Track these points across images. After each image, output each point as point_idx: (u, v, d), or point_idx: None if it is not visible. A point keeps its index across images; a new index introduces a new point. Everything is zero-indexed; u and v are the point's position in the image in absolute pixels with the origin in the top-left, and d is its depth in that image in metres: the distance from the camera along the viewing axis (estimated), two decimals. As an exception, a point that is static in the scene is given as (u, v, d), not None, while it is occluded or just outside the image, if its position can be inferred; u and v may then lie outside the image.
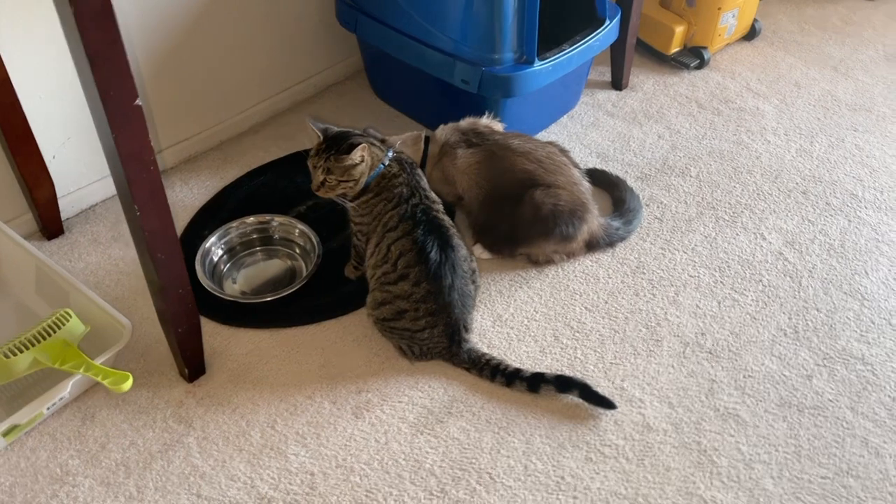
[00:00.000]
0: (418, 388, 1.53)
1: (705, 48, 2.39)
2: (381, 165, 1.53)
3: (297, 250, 1.78)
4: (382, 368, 1.56)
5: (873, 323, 1.65)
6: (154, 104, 1.91)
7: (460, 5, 1.81)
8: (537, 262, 1.77)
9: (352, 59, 2.34)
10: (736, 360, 1.57)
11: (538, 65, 1.84)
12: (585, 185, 1.74)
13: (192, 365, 1.51)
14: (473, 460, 1.41)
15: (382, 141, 1.58)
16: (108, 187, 1.93)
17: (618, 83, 2.31)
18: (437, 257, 1.45)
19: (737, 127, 2.18)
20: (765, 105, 2.27)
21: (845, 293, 1.71)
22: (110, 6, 1.03)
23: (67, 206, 1.86)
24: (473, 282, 1.53)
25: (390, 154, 1.54)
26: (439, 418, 1.48)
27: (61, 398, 1.41)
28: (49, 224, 1.81)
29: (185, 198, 1.94)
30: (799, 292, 1.71)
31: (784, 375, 1.55)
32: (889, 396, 1.51)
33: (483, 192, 1.72)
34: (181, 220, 1.87)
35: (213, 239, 1.73)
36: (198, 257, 1.69)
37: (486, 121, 1.82)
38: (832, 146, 2.11)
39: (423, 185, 1.54)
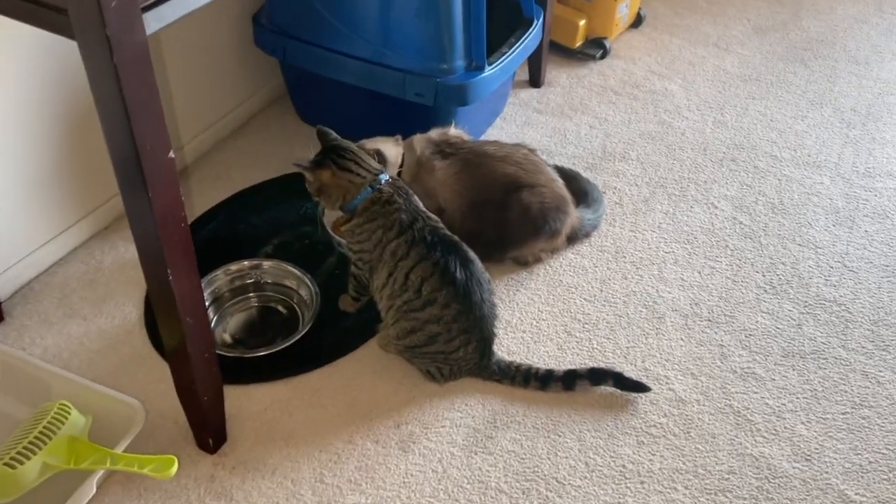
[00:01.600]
0: (455, 408, 1.49)
1: (605, 38, 2.51)
2: (369, 189, 1.47)
3: (287, 293, 1.68)
4: (412, 396, 1.51)
5: (832, 267, 1.81)
6: (75, 162, 1.72)
7: (408, 19, 1.78)
8: (526, 264, 1.78)
9: (270, 86, 2.24)
10: (733, 323, 1.67)
11: (488, 70, 1.85)
12: (560, 180, 1.78)
13: (217, 433, 1.38)
14: (535, 468, 1.40)
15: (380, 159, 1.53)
16: (43, 259, 1.72)
17: (536, 81, 2.37)
18: (462, 275, 1.43)
19: (655, 108, 2.31)
20: (671, 85, 2.42)
21: (799, 245, 1.87)
22: (148, 53, 0.92)
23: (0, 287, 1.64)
24: (491, 291, 1.51)
25: (384, 178, 1.49)
26: (488, 434, 1.45)
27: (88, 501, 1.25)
28: (-13, 312, 1.59)
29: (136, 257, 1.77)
30: (762, 251, 1.85)
31: (778, 329, 1.66)
32: (867, 329, 1.67)
33: (466, 200, 1.71)
34: (138, 283, 1.71)
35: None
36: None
37: (454, 131, 1.80)
38: (740, 115, 2.29)
39: (421, 206, 1.50)
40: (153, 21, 0.92)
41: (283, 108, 2.25)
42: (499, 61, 1.89)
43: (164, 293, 1.14)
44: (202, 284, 1.59)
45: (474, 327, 1.45)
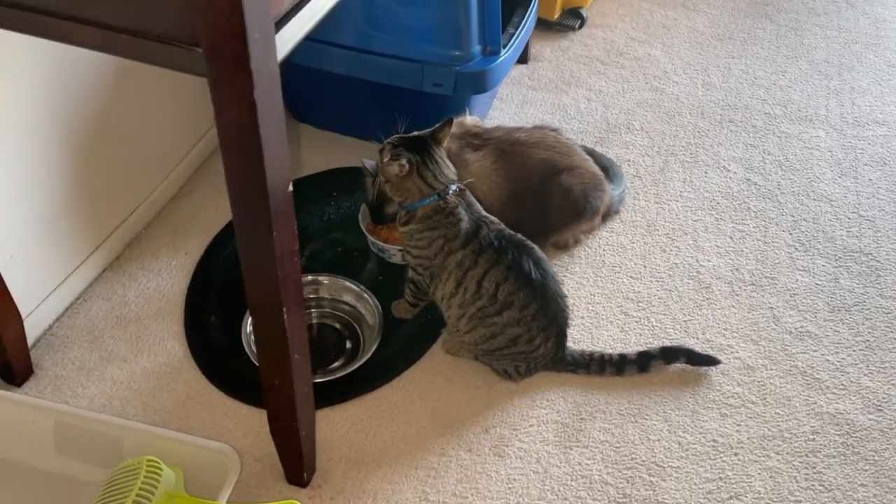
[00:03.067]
0: (538, 405, 1.48)
1: (581, 7, 2.49)
2: (435, 196, 1.42)
3: (343, 308, 1.60)
4: (492, 398, 1.48)
5: (849, 219, 1.88)
6: (80, 193, 1.58)
7: (421, 7, 1.71)
8: (566, 247, 1.77)
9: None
10: (776, 284, 1.71)
11: (504, 54, 1.81)
12: (590, 159, 1.76)
13: (310, 466, 1.32)
14: (632, 455, 1.40)
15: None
16: (61, 301, 1.58)
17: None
18: (537, 274, 1.40)
19: (644, 75, 2.32)
20: (653, 51, 2.43)
21: (815, 200, 1.93)
22: (279, 83, 0.84)
23: (21, 338, 1.50)
24: (560, 283, 1.49)
25: (451, 189, 1.43)
26: (577, 427, 1.44)
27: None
28: (17, 366, 1.44)
29: (161, 286, 1.65)
30: (782, 209, 1.90)
31: (818, 285, 1.72)
32: (897, 276, 1.75)
33: (505, 192, 1.67)
34: (171, 312, 1.59)
35: (250, 318, 1.49)
36: (244, 343, 1.46)
37: (470, 119, 1.75)
38: (725, 75, 2.33)
39: (482, 212, 1.46)
40: (281, 48, 0.83)
41: (273, 109, 2.13)
42: (511, 44, 1.85)
43: (274, 331, 1.06)
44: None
45: (552, 323, 1.42)
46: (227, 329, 1.55)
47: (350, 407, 1.45)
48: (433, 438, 1.41)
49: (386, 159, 1.42)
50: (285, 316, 1.03)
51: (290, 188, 0.94)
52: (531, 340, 1.41)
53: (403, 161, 1.39)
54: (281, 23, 0.85)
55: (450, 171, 1.45)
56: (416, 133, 1.48)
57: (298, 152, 2.00)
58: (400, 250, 1.64)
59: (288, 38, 0.86)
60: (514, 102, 2.20)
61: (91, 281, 1.64)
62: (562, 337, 1.46)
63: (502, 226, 1.45)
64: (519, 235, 1.44)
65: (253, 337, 1.45)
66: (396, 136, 1.48)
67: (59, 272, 1.57)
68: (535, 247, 1.44)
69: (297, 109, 2.09)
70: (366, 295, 1.57)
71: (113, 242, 1.69)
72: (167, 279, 1.67)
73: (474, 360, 1.52)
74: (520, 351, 1.43)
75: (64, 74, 1.44)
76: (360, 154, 1.99)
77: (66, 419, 1.30)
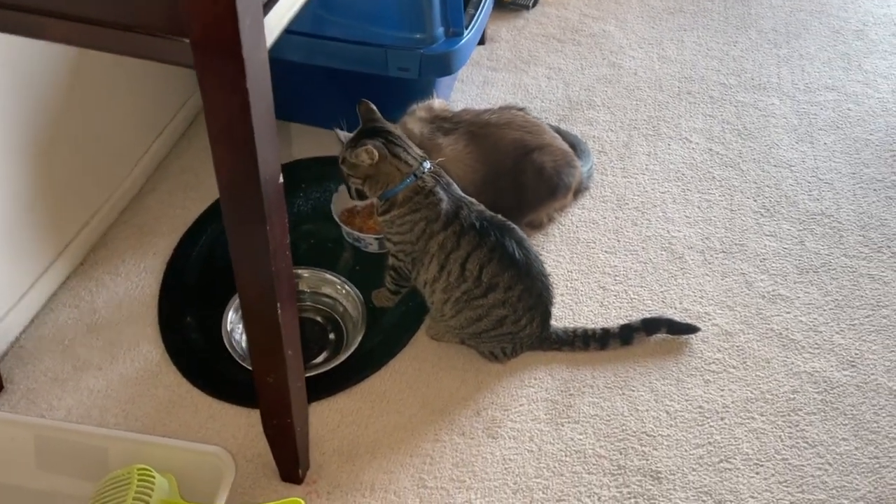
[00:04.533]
0: (526, 384, 1.48)
1: (534, -14, 2.49)
2: (413, 177, 1.40)
3: (324, 301, 1.58)
4: (480, 380, 1.48)
5: (809, 182, 1.93)
6: (40, 196, 1.51)
7: (384, -10, 1.68)
8: (540, 226, 1.77)
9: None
10: (746, 250, 1.75)
11: (466, 35, 1.79)
12: (559, 136, 1.77)
13: (304, 462, 1.30)
14: (623, 427, 1.42)
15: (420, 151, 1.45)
16: (26, 312, 1.51)
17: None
18: (520, 254, 1.39)
19: (600, 51, 2.34)
20: (607, 27, 2.44)
21: (775, 166, 1.97)
22: (269, 70, 0.81)
23: (-12, 352, 1.44)
24: (542, 262, 1.49)
25: (427, 166, 1.42)
26: (566, 404, 1.45)
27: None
28: (-13, 381, 1.38)
29: (131, 289, 1.60)
30: (745, 177, 1.93)
31: (785, 248, 1.76)
32: (859, 235, 1.79)
33: (479, 174, 1.66)
34: (143, 315, 1.55)
35: (231, 315, 1.46)
36: (226, 343, 1.43)
37: (438, 103, 1.74)
38: (679, 48, 2.36)
39: (460, 193, 1.45)
40: (268, 34, 0.80)
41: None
42: (472, 24, 1.84)
43: (268, 328, 1.03)
44: (233, 306, 1.48)
45: (537, 302, 1.43)
46: (205, 329, 1.51)
47: (339, 400, 1.43)
48: (425, 425, 1.41)
49: (352, 156, 1.39)
50: (280, 312, 1.00)
51: (281, 179, 0.92)
52: (517, 321, 1.42)
53: (370, 146, 1.37)
54: (266, 7, 0.82)
55: (417, 148, 1.44)
56: (359, 128, 1.46)
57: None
58: (377, 239, 1.63)
59: (274, 24, 0.83)
60: (475, 84, 2.19)
61: (56, 289, 1.58)
62: (546, 316, 1.46)
63: (482, 207, 1.44)
64: (499, 216, 1.44)
65: (234, 335, 1.43)
66: (347, 140, 1.46)
67: (22, 282, 1.51)
68: (516, 227, 1.44)
69: (256, 101, 2.04)
70: (346, 287, 1.54)
71: (76, 247, 1.63)
72: (136, 282, 1.61)
73: (459, 345, 1.52)
74: (506, 332, 1.43)
75: (14, 75, 1.38)
76: (324, 144, 1.97)
77: (46, 433, 1.25)
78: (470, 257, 1.38)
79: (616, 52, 2.34)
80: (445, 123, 1.68)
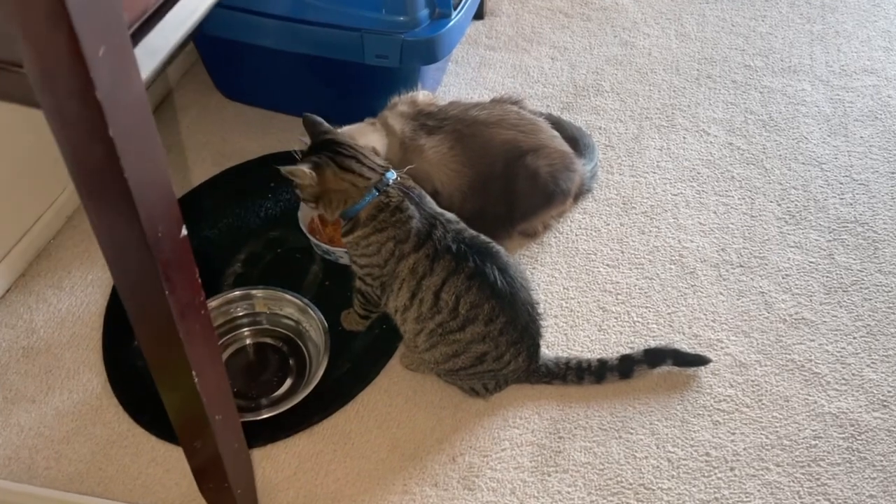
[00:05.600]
0: (510, 424, 1.31)
1: (540, -47, 2.25)
2: (374, 192, 1.22)
3: (284, 324, 1.41)
4: (458, 420, 1.31)
5: (841, 184, 1.71)
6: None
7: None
8: (535, 235, 1.58)
9: (176, 61, 1.87)
10: (766, 265, 1.55)
11: (455, 16, 1.58)
12: (558, 134, 1.57)
13: (252, 521, 1.15)
14: (618, 478, 1.25)
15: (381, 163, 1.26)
16: (-44, 334, 1.37)
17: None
18: (504, 283, 1.21)
19: (612, 28, 2.11)
20: (620, -2, 2.21)
21: (803, 164, 1.76)
22: (148, 109, 0.63)
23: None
24: (531, 289, 1.31)
25: (390, 177, 1.23)
26: (555, 449, 1.28)
27: None
28: None
29: (75, 306, 1.44)
30: (768, 176, 1.72)
31: (811, 263, 1.56)
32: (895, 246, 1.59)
33: (465, 179, 1.47)
34: (86, 338, 1.39)
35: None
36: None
37: (422, 96, 1.54)
38: (700, 24, 2.13)
39: (435, 208, 1.26)
40: (147, 60, 0.62)
41: (200, 85, 1.89)
42: (463, 3, 1.62)
43: (186, 397, 0.87)
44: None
45: (523, 336, 1.25)
46: (153, 355, 1.35)
47: (298, 441, 1.28)
48: (394, 473, 1.25)
49: (304, 178, 1.21)
50: (196, 380, 0.83)
51: (185, 232, 0.74)
52: (500, 357, 1.24)
53: (304, 167, 1.20)
54: (145, 28, 0.63)
55: (377, 158, 1.26)
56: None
57: (228, 136, 1.77)
58: (347, 252, 1.45)
59: (158, 46, 0.64)
60: (471, 65, 1.98)
61: (-8, 306, 1.43)
62: (535, 348, 1.28)
63: (461, 225, 1.26)
64: (482, 237, 1.25)
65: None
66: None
67: (-48, 299, 1.36)
68: (501, 249, 1.26)
69: (225, 85, 1.85)
70: (310, 309, 1.37)
71: (16, 257, 1.47)
72: (81, 297, 1.45)
73: (437, 376, 1.35)
74: (487, 369, 1.26)
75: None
76: (299, 134, 1.78)
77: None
78: (445, 285, 1.20)
79: (629, 28, 2.11)
80: (430, 121, 1.48)
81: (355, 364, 1.36)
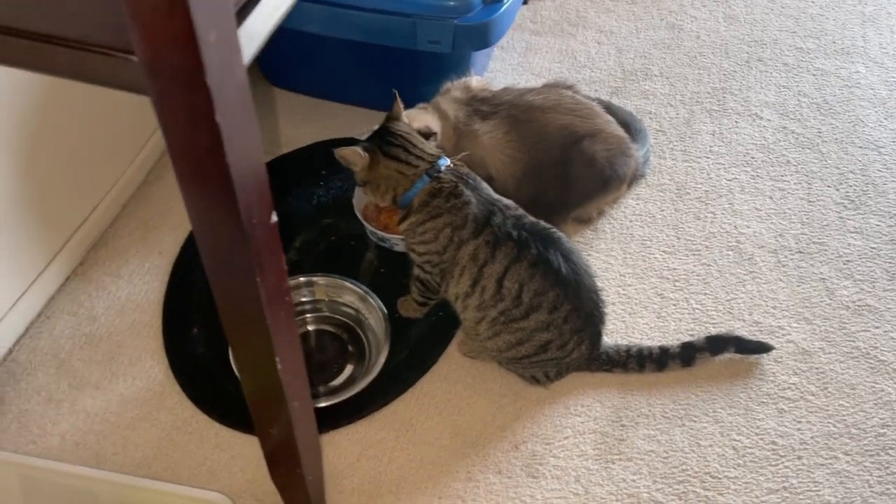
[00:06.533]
0: (572, 412, 1.30)
1: (584, -65, 2.22)
2: (426, 178, 1.21)
3: (345, 312, 1.41)
4: (519, 407, 1.31)
5: (900, 168, 1.68)
6: (28, 194, 1.36)
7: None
8: (589, 221, 1.57)
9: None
10: (826, 251, 1.53)
11: (507, 1, 1.56)
12: (612, 119, 1.55)
13: (319, 507, 1.15)
14: (683, 466, 1.24)
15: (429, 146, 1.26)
16: (20, 321, 1.38)
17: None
18: (567, 269, 1.20)
19: (658, 10, 2.08)
20: (666, -20, 2.18)
21: (860, 147, 1.72)
22: (249, 96, 0.63)
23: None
24: (593, 274, 1.29)
25: (443, 164, 1.22)
26: (618, 437, 1.27)
27: None
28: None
29: (134, 294, 1.45)
30: (825, 161, 1.69)
31: (873, 249, 1.53)
32: (959, 232, 1.56)
33: (521, 165, 1.46)
34: (146, 325, 1.40)
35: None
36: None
37: (475, 82, 1.53)
38: (748, 5, 2.09)
39: (493, 194, 1.25)
40: (247, 46, 0.62)
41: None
42: (514, -13, 1.60)
43: (268, 384, 0.87)
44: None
45: (587, 323, 1.24)
46: (214, 342, 1.35)
47: (359, 428, 1.28)
48: (457, 460, 1.24)
49: (342, 158, 1.24)
50: (279, 366, 0.83)
51: (275, 219, 0.74)
52: (563, 345, 1.23)
53: (358, 147, 1.22)
54: (244, 11, 0.63)
55: (428, 145, 1.26)
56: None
57: (275, 124, 1.77)
58: (403, 239, 1.44)
59: (256, 31, 0.64)
60: (517, 51, 1.96)
61: (53, 294, 1.44)
62: (597, 336, 1.27)
63: (521, 211, 1.25)
64: (542, 223, 1.24)
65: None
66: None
67: (15, 287, 1.37)
68: (563, 235, 1.24)
69: (272, 72, 1.85)
70: (370, 297, 1.37)
71: (75, 246, 1.48)
72: (140, 285, 1.46)
73: (493, 362, 1.34)
74: (551, 358, 1.25)
75: None
76: (347, 122, 1.78)
77: (33, 473, 1.12)
78: (507, 272, 1.19)
79: (676, 11, 2.08)
80: (484, 106, 1.47)
81: (413, 351, 1.36)
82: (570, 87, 1.56)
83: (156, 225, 1.56)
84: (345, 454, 1.25)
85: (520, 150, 1.45)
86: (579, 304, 1.21)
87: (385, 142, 1.23)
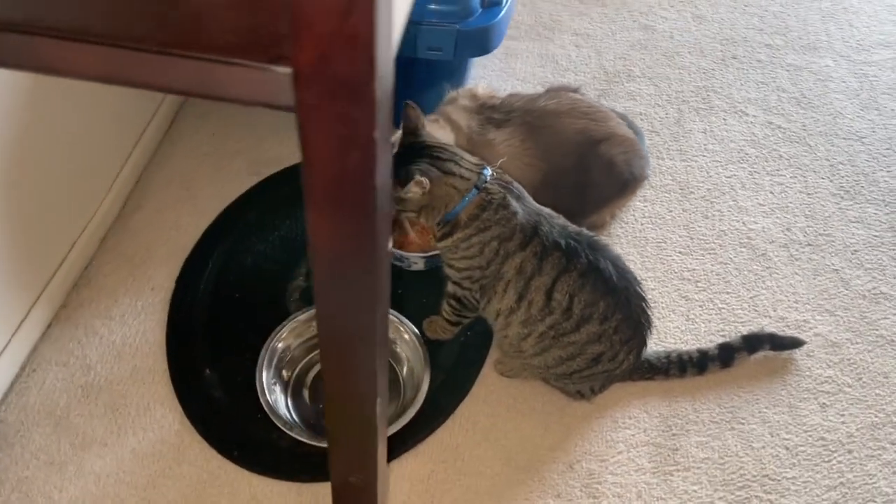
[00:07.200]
0: (621, 425, 1.26)
1: (546, -61, 2.20)
2: (474, 190, 1.15)
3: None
4: (566, 425, 1.25)
5: (885, 156, 1.72)
6: (4, 234, 1.21)
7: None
8: (603, 226, 1.53)
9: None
10: (833, 241, 1.54)
11: (506, 3, 1.51)
12: (621, 120, 1.52)
13: (381, 554, 1.06)
14: (740, 471, 1.21)
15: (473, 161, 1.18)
16: (1, 375, 1.22)
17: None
18: (618, 277, 1.15)
19: (629, 12, 2.08)
20: (630, -18, 2.18)
21: (845, 139, 1.76)
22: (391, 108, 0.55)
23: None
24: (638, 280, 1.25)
25: (486, 174, 1.16)
26: (672, 447, 1.24)
27: None
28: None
29: (129, 336, 1.31)
30: (814, 153, 1.72)
31: (875, 236, 1.56)
32: (950, 216, 1.61)
33: (539, 174, 1.41)
34: (150, 370, 1.27)
35: (265, 375, 1.19)
36: (267, 408, 1.16)
37: (482, 90, 1.47)
38: (713, 5, 2.12)
39: (535, 203, 1.19)
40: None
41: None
42: (509, -10, 1.56)
43: (364, 425, 0.78)
44: (265, 359, 1.21)
45: (637, 331, 1.19)
46: (231, 383, 1.24)
47: (405, 463, 1.19)
48: (513, 487, 1.18)
49: (402, 193, 1.11)
50: (378, 407, 0.75)
51: (390, 246, 0.66)
52: (615, 356, 1.18)
53: (420, 178, 1.10)
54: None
55: (468, 155, 1.18)
56: (395, 151, 1.18)
57: (261, 142, 1.66)
58: (422, 257, 1.37)
59: (397, 29, 0.56)
60: (497, 57, 1.92)
61: (35, 343, 1.29)
62: (643, 345, 1.23)
63: (563, 219, 1.19)
64: (585, 231, 1.19)
65: (271, 396, 1.17)
66: None
67: (-5, 340, 1.22)
68: (608, 242, 1.20)
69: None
70: (401, 323, 1.28)
71: (56, 287, 1.33)
72: (135, 326, 1.33)
73: (533, 380, 1.28)
74: (602, 370, 1.20)
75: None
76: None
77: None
78: (556, 283, 1.14)
79: (646, 12, 2.08)
80: (495, 114, 1.41)
81: (449, 376, 1.28)
82: (576, 91, 1.52)
83: (142, 259, 1.43)
84: (394, 492, 1.16)
85: (537, 157, 1.40)
86: (629, 313, 1.17)
87: (434, 158, 1.14)
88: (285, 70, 0.49)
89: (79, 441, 1.19)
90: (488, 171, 1.16)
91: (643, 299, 1.20)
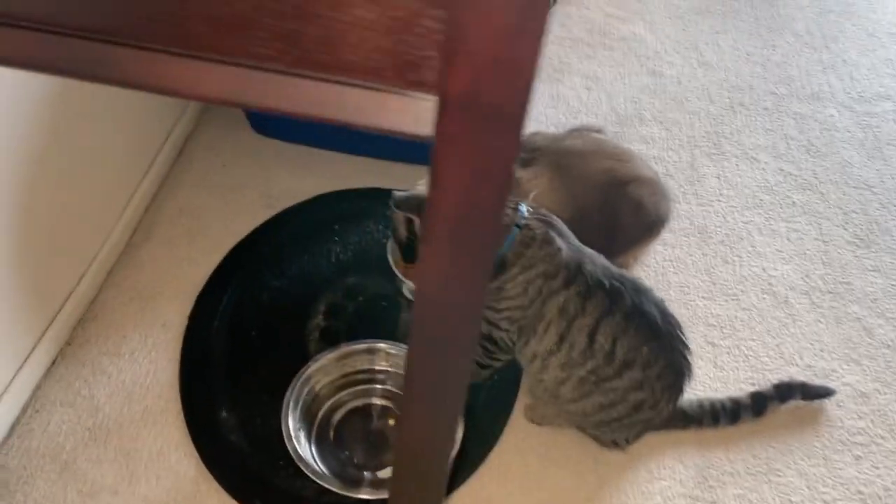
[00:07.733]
0: (655, 476, 1.22)
1: (553, -17, 2.22)
2: (515, 229, 1.11)
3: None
4: (601, 475, 1.21)
5: (895, 205, 1.74)
6: (9, 271, 1.14)
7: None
8: (627, 268, 1.50)
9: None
10: (853, 289, 1.54)
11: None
12: (646, 162, 1.51)
13: None
14: (780, 525, 1.18)
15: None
16: (2, 418, 1.14)
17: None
18: (663, 321, 1.12)
19: (636, 58, 2.09)
20: (636, 28, 2.20)
21: (855, 188, 1.77)
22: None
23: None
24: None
25: (523, 210, 1.13)
26: (709, 500, 1.20)
27: None
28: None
29: (140, 375, 1.24)
30: (827, 201, 1.73)
31: (894, 286, 1.56)
32: (962, 267, 1.62)
33: (567, 213, 1.37)
34: (163, 412, 1.19)
35: (292, 422, 1.13)
36: (295, 455, 1.09)
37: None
38: (718, 53, 2.14)
39: (577, 240, 1.16)
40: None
41: (225, 121, 1.71)
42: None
43: (434, 467, 0.72)
44: (290, 405, 1.15)
45: (679, 377, 1.16)
46: (250, 427, 1.18)
47: (436, 514, 1.13)
48: (550, 543, 1.12)
49: None
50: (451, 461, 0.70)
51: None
52: (656, 404, 1.15)
53: None
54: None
55: None
56: (410, 192, 1.16)
57: (272, 176, 1.61)
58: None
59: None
60: (509, 96, 1.90)
61: (39, 381, 1.21)
62: (681, 393, 1.20)
63: (604, 259, 1.17)
64: (626, 272, 1.16)
65: (300, 443, 1.10)
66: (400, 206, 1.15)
67: (-3, 378, 1.14)
68: (651, 286, 1.17)
69: (259, 120, 1.69)
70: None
71: (61, 323, 1.25)
72: (145, 365, 1.26)
73: (565, 427, 1.24)
74: (643, 419, 1.16)
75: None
76: (347, 172, 1.65)
77: None
78: (600, 325, 1.10)
79: (652, 57, 2.09)
80: (521, 152, 1.39)
81: (475, 424, 1.23)
82: (598, 131, 1.51)
83: (152, 294, 1.36)
84: (426, 547, 1.09)
85: (564, 197, 1.37)
86: (672, 359, 1.14)
87: None
88: (427, 97, 0.45)
89: (87, 488, 1.10)
90: (524, 208, 1.13)
91: (686, 346, 1.16)
